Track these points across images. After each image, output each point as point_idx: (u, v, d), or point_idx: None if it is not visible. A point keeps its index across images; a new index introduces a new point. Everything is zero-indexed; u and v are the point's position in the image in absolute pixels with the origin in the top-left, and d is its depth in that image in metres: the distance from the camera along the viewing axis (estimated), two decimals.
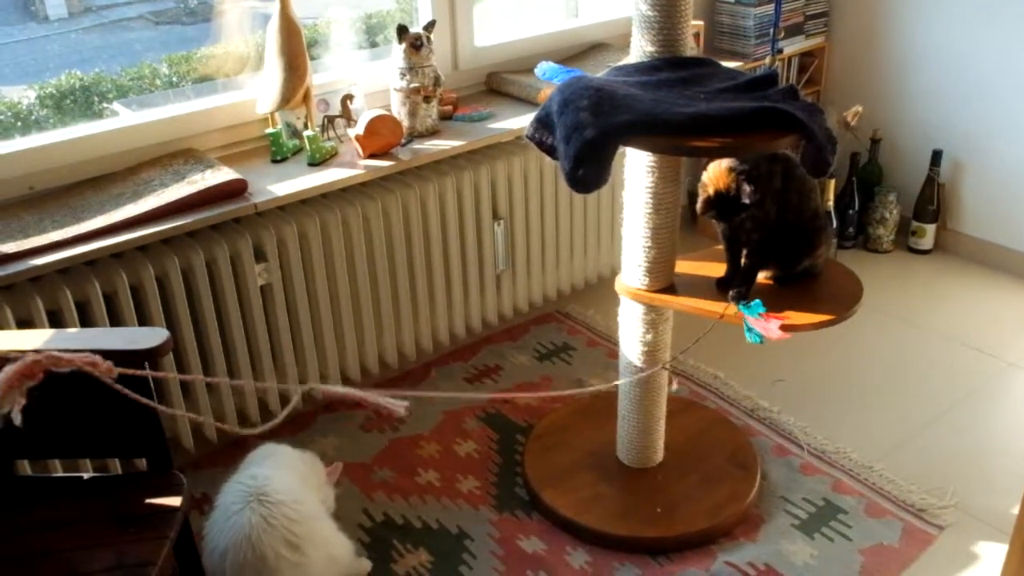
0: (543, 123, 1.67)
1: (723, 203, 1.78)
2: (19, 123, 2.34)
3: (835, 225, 3.16)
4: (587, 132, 1.52)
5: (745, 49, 3.08)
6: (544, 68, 1.85)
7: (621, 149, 1.65)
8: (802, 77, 3.29)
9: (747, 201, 1.74)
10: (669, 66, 1.74)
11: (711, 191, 1.80)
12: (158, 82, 2.59)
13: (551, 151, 1.66)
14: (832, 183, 3.10)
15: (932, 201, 3.17)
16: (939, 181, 3.14)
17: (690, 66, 1.74)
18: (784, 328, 1.75)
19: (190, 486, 2.26)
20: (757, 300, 1.83)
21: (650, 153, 1.83)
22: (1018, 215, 3.05)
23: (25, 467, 1.94)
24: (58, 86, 2.56)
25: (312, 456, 2.01)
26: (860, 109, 3.04)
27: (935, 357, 2.75)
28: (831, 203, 3.12)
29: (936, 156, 3.11)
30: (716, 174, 1.79)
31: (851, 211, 3.25)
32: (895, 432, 2.45)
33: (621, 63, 1.82)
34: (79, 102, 2.53)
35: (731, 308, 1.89)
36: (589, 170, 1.54)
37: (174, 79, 2.61)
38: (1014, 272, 3.11)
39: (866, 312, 2.94)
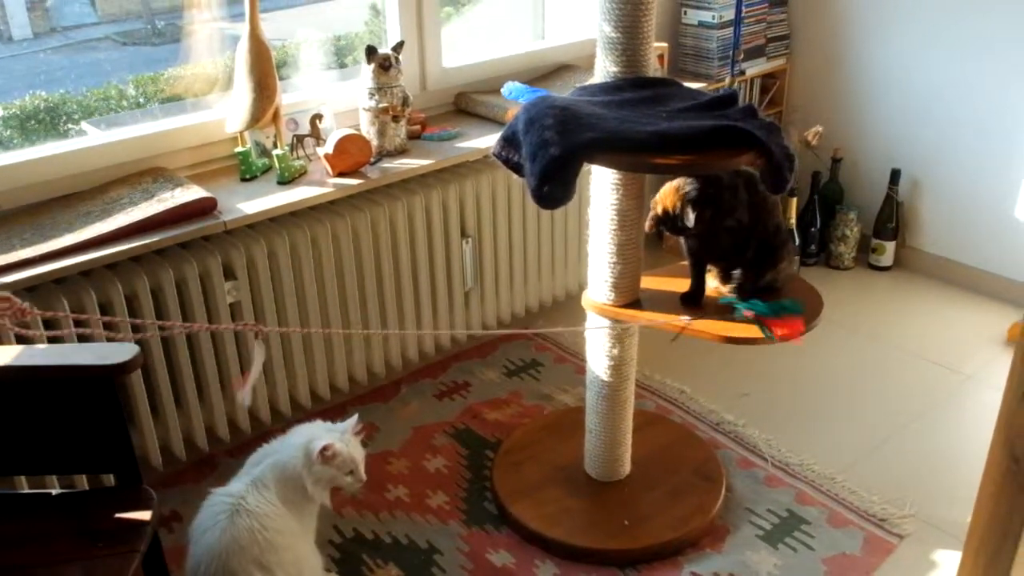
0: (509, 141, 1.70)
1: (669, 222, 1.85)
2: None
3: (798, 242, 3.23)
4: (552, 150, 1.56)
5: (708, 70, 3.14)
6: (510, 88, 1.89)
7: (586, 166, 1.69)
8: (764, 98, 3.37)
9: (689, 225, 1.80)
10: (632, 86, 1.79)
11: (659, 210, 1.87)
12: (124, 103, 2.60)
13: (517, 168, 1.70)
14: (795, 201, 3.18)
15: (891, 219, 3.25)
16: (898, 199, 3.22)
17: (653, 86, 1.79)
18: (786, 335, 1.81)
19: (159, 502, 2.26)
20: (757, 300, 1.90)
21: (614, 170, 1.87)
22: (974, 232, 3.14)
23: None
24: (22, 107, 2.56)
25: (313, 449, 1.85)
26: (820, 129, 3.11)
27: (895, 371, 2.81)
28: (794, 221, 3.19)
29: (895, 175, 3.19)
30: (665, 193, 1.87)
31: (813, 229, 3.32)
32: (857, 444, 2.50)
33: (586, 83, 1.87)
34: (44, 123, 2.53)
35: (694, 321, 1.95)
36: (555, 187, 1.58)
37: (141, 99, 2.62)
38: (971, 287, 3.20)
39: (829, 328, 3.01)
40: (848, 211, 3.28)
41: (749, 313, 1.90)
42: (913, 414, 2.61)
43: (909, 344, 2.94)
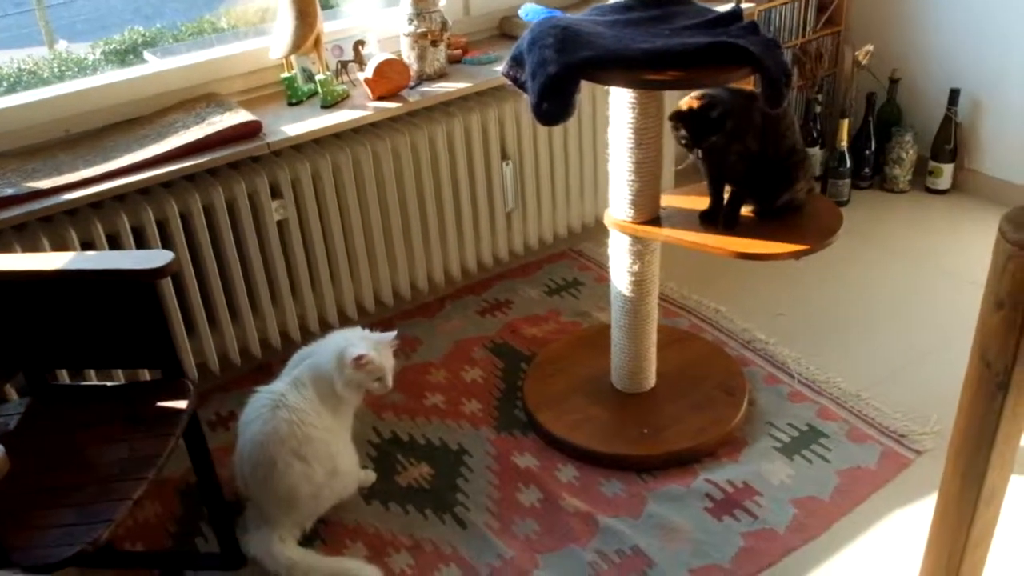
0: (516, 61, 1.78)
1: (692, 119, 1.87)
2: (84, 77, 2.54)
3: (849, 165, 3.19)
4: (550, 68, 1.64)
5: None
6: (527, 9, 1.96)
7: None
8: (820, 17, 3.30)
9: (714, 116, 1.82)
10: (642, 5, 1.83)
11: (683, 108, 1.90)
12: (214, 36, 2.77)
13: (523, 87, 1.77)
14: (846, 123, 3.14)
15: (949, 140, 3.18)
16: (956, 120, 3.14)
17: (661, 5, 1.83)
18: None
19: (216, 404, 2.49)
20: None
21: (627, 89, 1.93)
22: None
23: (63, 376, 2.16)
24: (121, 42, 2.75)
25: (346, 355, 1.99)
26: (871, 48, 3.05)
27: (941, 295, 2.79)
28: (845, 143, 3.16)
29: (954, 95, 3.11)
30: (689, 97, 1.89)
31: (867, 151, 3.27)
32: (888, 364, 2.52)
33: (600, 4, 1.92)
34: (141, 56, 2.71)
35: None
36: (553, 104, 1.65)
37: (229, 31, 2.78)
38: None
39: (876, 251, 3.00)
40: (904, 133, 3.22)
41: None
42: (952, 336, 2.59)
43: (960, 269, 2.89)
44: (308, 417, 2.00)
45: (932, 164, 3.25)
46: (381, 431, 2.39)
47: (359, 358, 1.99)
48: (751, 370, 2.51)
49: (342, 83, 2.52)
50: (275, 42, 2.39)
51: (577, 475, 2.21)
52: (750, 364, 2.54)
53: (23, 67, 2.62)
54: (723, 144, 1.92)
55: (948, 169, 3.23)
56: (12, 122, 2.21)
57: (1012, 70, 3.01)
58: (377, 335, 2.08)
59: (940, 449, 2.20)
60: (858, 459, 2.20)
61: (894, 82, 3.25)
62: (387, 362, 2.06)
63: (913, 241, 3.06)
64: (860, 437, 2.26)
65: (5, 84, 2.55)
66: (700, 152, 1.95)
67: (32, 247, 2.06)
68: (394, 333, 2.10)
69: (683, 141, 1.93)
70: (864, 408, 2.35)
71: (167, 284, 2.26)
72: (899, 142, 3.24)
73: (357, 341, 2.06)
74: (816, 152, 3.26)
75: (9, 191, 2.02)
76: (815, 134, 3.25)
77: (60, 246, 2.10)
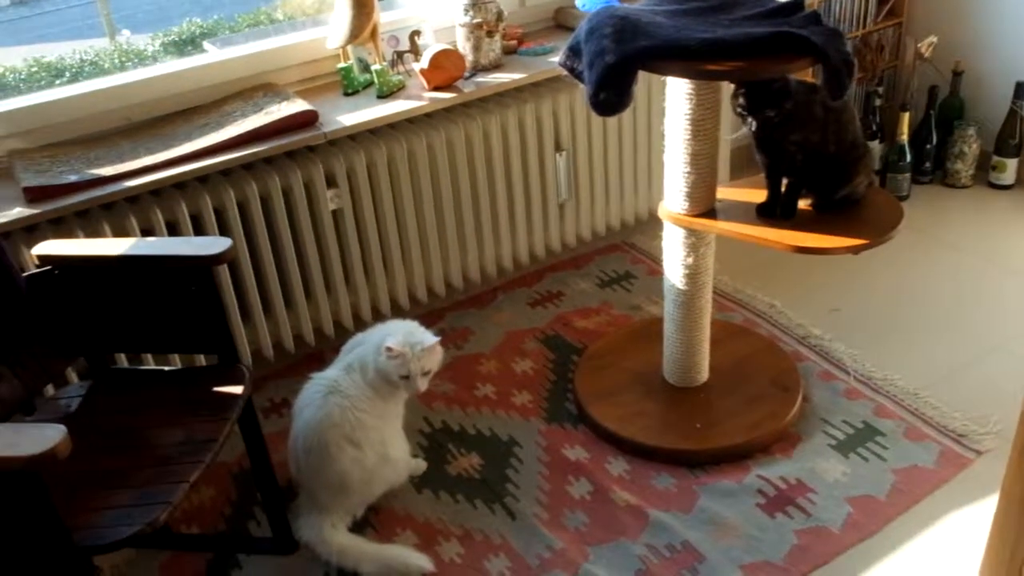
0: (574, 51, 1.77)
1: (753, 86, 1.80)
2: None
3: (910, 159, 3.12)
4: (608, 57, 1.62)
5: None
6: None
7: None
8: (882, 8, 3.23)
9: (775, 87, 1.77)
10: None
11: None
12: (272, 27, 2.81)
13: (580, 77, 1.76)
14: (906, 116, 3.07)
15: (1014, 135, 3.09)
16: (1022, 114, 3.06)
17: None
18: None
19: (270, 391, 2.52)
20: None
21: (686, 80, 1.90)
22: None
23: (122, 360, 2.21)
24: (180, 33, 2.80)
25: (383, 342, 1.98)
26: (935, 40, 2.97)
27: (1004, 292, 2.72)
28: (905, 137, 3.09)
29: (1019, 88, 3.02)
30: None
31: (928, 145, 3.20)
32: (947, 362, 2.46)
33: None
34: (199, 47, 2.76)
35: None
36: (610, 94, 1.64)
37: (285, 21, 2.82)
38: None
39: (937, 247, 2.93)
40: (967, 127, 3.14)
41: None
42: (1015, 335, 2.53)
43: None
44: (360, 403, 2.02)
45: (995, 159, 3.17)
46: (432, 421, 2.40)
47: (389, 348, 1.98)
48: (806, 366, 2.47)
49: (398, 73, 2.53)
50: (332, 32, 2.41)
51: (628, 468, 2.20)
52: (805, 360, 2.50)
53: (84, 58, 2.67)
54: (779, 127, 1.87)
55: (1012, 164, 3.15)
56: (76, 110, 2.26)
57: None
58: (423, 335, 2.03)
59: (1001, 450, 2.15)
60: (916, 458, 2.16)
61: (957, 75, 3.17)
62: (416, 364, 1.98)
63: (975, 237, 2.98)
64: (918, 436, 2.22)
65: (68, 74, 2.61)
66: (754, 124, 1.88)
67: (94, 233, 2.10)
68: (436, 340, 2.02)
69: (739, 109, 1.87)
70: (922, 407, 2.30)
71: (224, 271, 2.29)
72: (961, 136, 3.16)
73: (401, 334, 2.04)
74: (875, 146, 3.19)
75: (72, 178, 2.06)
76: (875, 127, 3.18)
77: (121, 232, 2.14)
